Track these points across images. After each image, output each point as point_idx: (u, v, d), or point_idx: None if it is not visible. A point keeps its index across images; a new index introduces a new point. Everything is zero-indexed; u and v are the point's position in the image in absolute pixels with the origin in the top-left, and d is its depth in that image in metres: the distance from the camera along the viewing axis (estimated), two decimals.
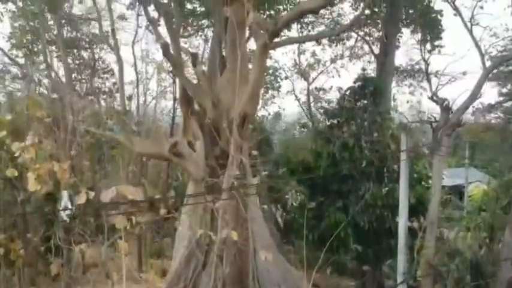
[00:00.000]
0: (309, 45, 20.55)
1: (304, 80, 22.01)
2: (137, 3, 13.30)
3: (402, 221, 9.36)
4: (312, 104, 22.29)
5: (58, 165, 4.89)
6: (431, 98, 9.76)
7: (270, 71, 21.60)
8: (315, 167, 13.91)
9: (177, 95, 14.26)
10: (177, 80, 13.93)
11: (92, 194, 4.88)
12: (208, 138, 12.75)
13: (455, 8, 9.91)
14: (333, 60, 21.23)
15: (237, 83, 11.33)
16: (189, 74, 15.27)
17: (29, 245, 8.73)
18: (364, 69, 15.15)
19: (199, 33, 18.13)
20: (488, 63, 10.36)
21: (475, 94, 9.45)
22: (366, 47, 19.41)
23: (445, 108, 9.16)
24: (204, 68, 13.70)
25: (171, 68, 13.71)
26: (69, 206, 4.23)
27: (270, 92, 22.67)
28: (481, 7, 9.85)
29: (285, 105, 25.85)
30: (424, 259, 8.84)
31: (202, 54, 17.52)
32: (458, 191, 29.88)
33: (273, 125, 27.34)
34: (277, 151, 22.24)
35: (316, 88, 23.07)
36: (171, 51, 12.15)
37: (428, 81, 10.26)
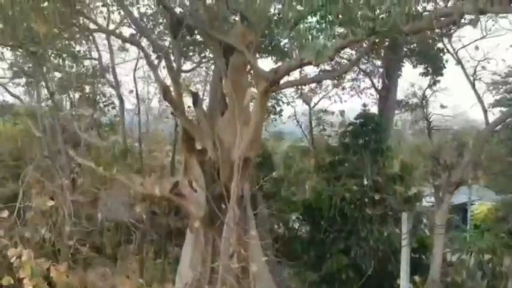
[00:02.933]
0: (311, 70, 20.37)
1: (306, 104, 21.95)
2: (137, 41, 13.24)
3: None
4: (314, 128, 22.19)
5: (54, 269, 4.89)
6: (432, 157, 9.71)
7: (272, 95, 21.46)
8: (316, 206, 13.82)
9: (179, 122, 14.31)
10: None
11: None
12: (209, 178, 12.79)
13: (458, 60, 9.84)
14: (335, 85, 21.15)
15: (237, 126, 11.33)
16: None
17: None
18: (365, 105, 15.05)
19: (202, 65, 18.03)
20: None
21: (478, 150, 9.37)
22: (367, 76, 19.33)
23: (447, 167, 9.10)
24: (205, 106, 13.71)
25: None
26: None
27: (272, 116, 22.54)
28: (483, 67, 9.79)
29: (286, 129, 25.74)
30: None
31: (204, 86, 17.46)
32: (461, 209, 29.45)
33: (274, 147, 27.21)
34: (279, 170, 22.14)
35: (317, 111, 22.92)
36: (172, 93, 12.17)
37: (430, 136, 10.20)
